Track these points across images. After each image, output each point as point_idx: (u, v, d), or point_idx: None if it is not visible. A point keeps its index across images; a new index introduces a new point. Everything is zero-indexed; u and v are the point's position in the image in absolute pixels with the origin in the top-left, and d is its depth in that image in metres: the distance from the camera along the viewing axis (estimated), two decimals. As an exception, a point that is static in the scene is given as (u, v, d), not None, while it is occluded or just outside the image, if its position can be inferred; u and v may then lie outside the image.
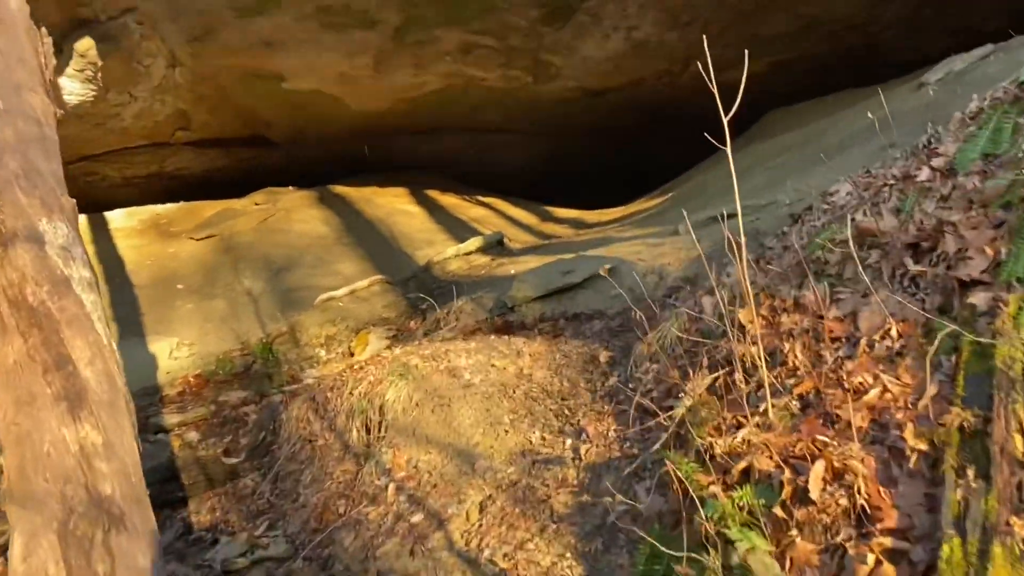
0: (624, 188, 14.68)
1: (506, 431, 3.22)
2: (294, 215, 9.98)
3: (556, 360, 3.70)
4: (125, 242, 9.97)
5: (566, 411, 3.26)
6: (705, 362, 2.62)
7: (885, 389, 1.91)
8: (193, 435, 4.53)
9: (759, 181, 6.45)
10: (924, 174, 2.65)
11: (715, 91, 2.27)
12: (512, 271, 6.84)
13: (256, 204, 10.63)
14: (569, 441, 3.01)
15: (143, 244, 9.86)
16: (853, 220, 2.71)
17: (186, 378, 6.56)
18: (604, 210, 11.27)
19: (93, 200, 12.23)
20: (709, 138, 2.40)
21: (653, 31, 9.46)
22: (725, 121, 2.14)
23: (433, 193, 11.57)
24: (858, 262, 2.37)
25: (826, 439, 1.86)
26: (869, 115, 5.70)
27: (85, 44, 8.72)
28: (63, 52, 8.84)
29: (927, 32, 9.77)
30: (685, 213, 3.48)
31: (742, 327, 2.49)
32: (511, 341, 4.05)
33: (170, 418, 4.58)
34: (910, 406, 1.84)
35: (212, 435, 4.54)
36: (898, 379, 1.92)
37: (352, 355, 6.66)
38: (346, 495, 3.34)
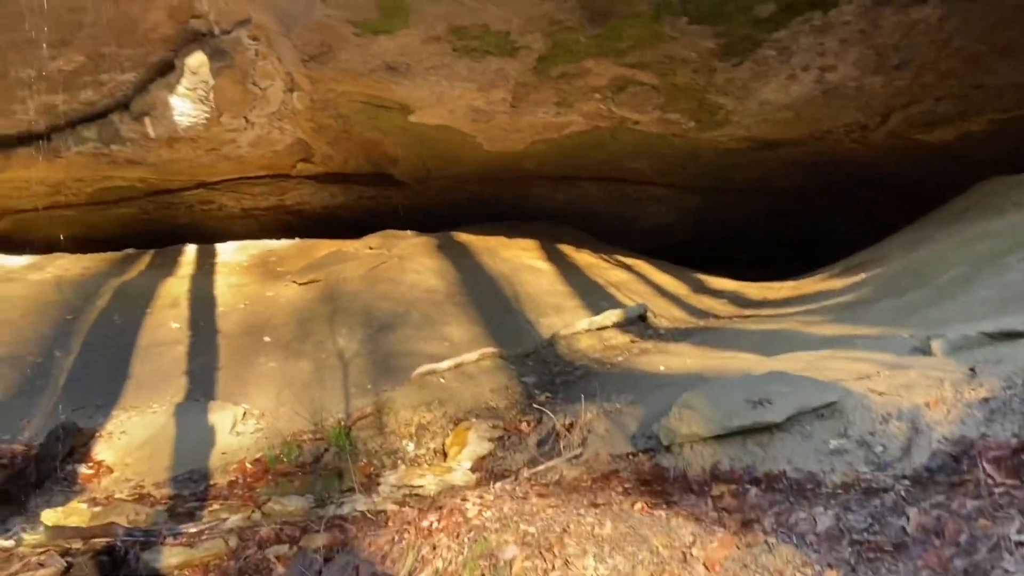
0: (786, 257, 12.79)
1: None
2: (407, 263, 8.75)
3: (756, 591, 2.10)
4: (226, 279, 9.03)
5: None
6: None
7: None
8: (195, 588, 3.18)
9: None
10: None
11: None
12: (661, 366, 5.24)
13: (370, 248, 9.50)
14: None
15: (243, 283, 8.88)
16: None
17: (243, 463, 5.30)
18: (769, 283, 9.46)
19: (210, 230, 11.57)
20: None
21: (852, 74, 7.71)
22: None
23: (567, 248, 10.12)
24: None
25: None
26: None
27: (197, 60, 7.87)
28: (175, 68, 8.05)
29: None
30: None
31: None
32: (671, 526, 2.48)
33: (171, 555, 3.27)
34: None
35: (220, 592, 3.18)
36: None
37: (445, 456, 5.23)
38: None
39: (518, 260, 9.29)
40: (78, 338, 7.06)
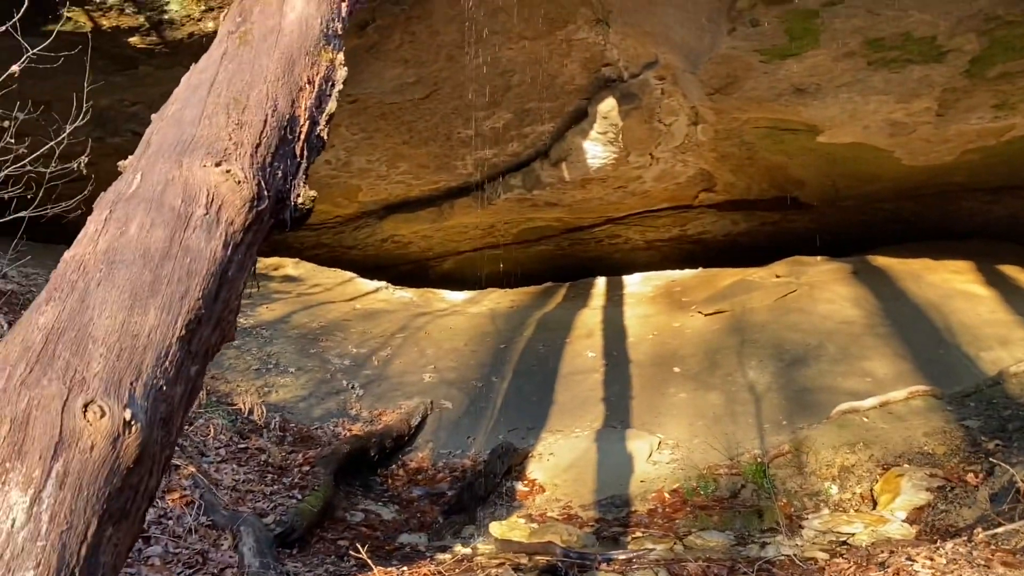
0: None
1: None
2: (818, 292, 8.32)
3: None
4: (633, 310, 9.44)
5: None
6: None
7: None
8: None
9: None
10: None
11: None
12: None
13: (777, 276, 9.23)
14: None
15: (650, 314, 9.20)
16: None
17: (660, 493, 5.45)
18: None
19: (616, 262, 12.22)
20: None
21: None
22: None
23: (1010, 270, 8.81)
24: None
25: None
26: None
27: (607, 105, 8.41)
28: (587, 115, 8.69)
29: None
30: None
31: None
32: None
33: (606, 579, 3.46)
34: None
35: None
36: None
37: (874, 503, 4.84)
38: None
39: (948, 285, 8.31)
40: (510, 365, 7.88)
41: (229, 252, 1.61)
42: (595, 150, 9.04)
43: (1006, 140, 7.95)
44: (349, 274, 10.64)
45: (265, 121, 1.79)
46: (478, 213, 10.56)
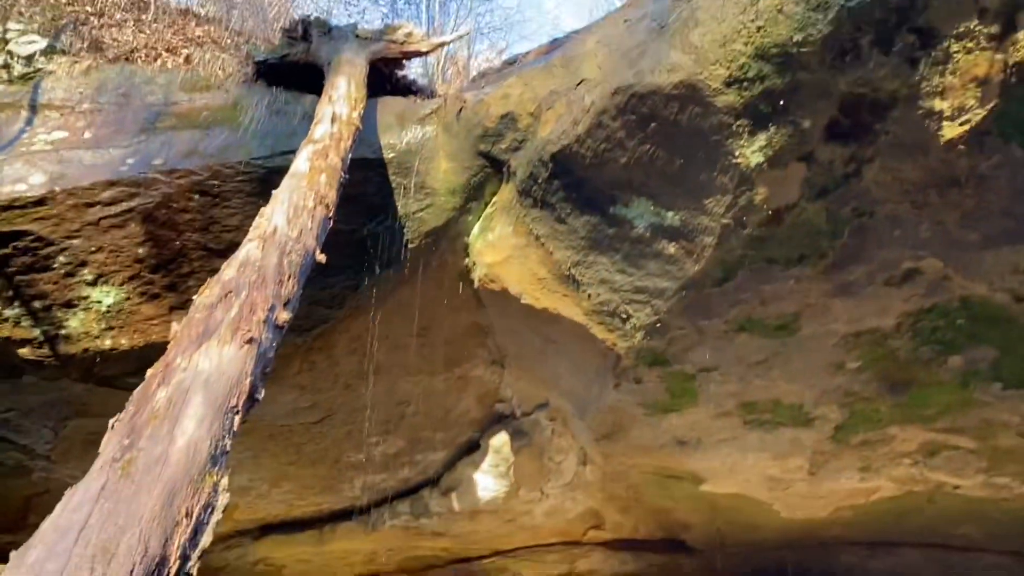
0: None
1: None
2: (706, 649, 8.05)
3: None
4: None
5: None
6: None
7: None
8: None
9: None
10: None
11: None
12: None
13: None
14: None
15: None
16: None
17: None
18: None
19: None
20: None
21: None
22: None
23: (892, 630, 8.82)
24: None
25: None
26: None
27: (500, 439, 8.58)
28: (480, 447, 8.78)
29: None
30: None
31: None
32: None
33: None
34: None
35: None
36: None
37: None
38: None
39: (835, 646, 8.20)
40: None
41: None
42: (486, 482, 9.01)
43: (874, 500, 8.37)
44: (212, 601, 9.74)
45: (132, 572, 1.70)
46: (362, 538, 10.09)
